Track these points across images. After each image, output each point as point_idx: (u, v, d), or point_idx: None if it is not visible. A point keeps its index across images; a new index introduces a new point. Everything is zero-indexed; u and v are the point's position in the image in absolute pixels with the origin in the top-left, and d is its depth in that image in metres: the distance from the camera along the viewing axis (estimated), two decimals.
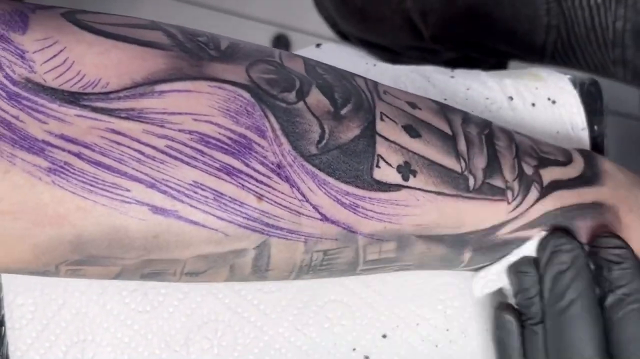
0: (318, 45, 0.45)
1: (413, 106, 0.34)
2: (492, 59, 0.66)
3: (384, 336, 0.39)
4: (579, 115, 0.43)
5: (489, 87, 0.43)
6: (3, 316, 0.37)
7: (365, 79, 0.34)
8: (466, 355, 0.40)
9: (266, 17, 1.21)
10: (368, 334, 0.39)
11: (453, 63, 0.61)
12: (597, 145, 0.43)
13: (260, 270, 0.31)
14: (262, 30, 1.20)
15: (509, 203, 0.33)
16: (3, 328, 0.37)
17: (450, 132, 0.33)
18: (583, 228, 0.35)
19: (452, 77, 0.44)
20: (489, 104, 0.43)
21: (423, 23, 0.63)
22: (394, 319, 0.39)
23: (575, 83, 0.44)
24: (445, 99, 0.43)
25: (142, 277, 0.30)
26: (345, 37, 0.73)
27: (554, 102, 0.43)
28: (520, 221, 0.34)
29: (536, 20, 0.57)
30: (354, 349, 0.39)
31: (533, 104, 0.43)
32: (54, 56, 0.27)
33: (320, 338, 0.39)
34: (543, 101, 0.43)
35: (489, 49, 0.62)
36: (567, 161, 0.36)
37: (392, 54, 0.70)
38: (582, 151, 0.38)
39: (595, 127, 0.43)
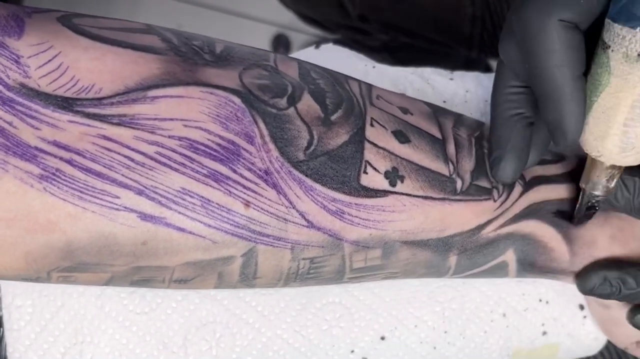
0: (317, 46, 0.45)
1: (405, 111, 0.34)
2: (423, 43, 0.63)
3: (382, 338, 0.39)
4: None
5: (488, 89, 0.43)
6: (1, 318, 0.37)
7: (360, 82, 0.34)
8: (464, 357, 0.40)
9: (266, 17, 1.21)
10: (366, 336, 0.39)
11: (390, 49, 0.58)
12: None
13: (248, 278, 0.30)
14: (262, 30, 1.20)
15: (494, 201, 0.34)
16: (1, 329, 0.37)
17: (440, 136, 0.34)
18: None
19: (452, 79, 0.44)
20: (488, 106, 0.43)
21: (350, 1, 0.60)
22: (392, 321, 0.39)
23: None
24: (444, 102, 0.43)
25: (131, 284, 0.30)
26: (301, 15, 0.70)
27: None
28: (504, 217, 0.34)
29: (460, 10, 0.55)
30: (352, 351, 0.39)
31: None
32: (49, 61, 0.27)
33: (319, 339, 0.39)
34: None
35: (418, 34, 0.60)
36: (556, 159, 0.37)
37: (326, 30, 0.67)
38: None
39: None
